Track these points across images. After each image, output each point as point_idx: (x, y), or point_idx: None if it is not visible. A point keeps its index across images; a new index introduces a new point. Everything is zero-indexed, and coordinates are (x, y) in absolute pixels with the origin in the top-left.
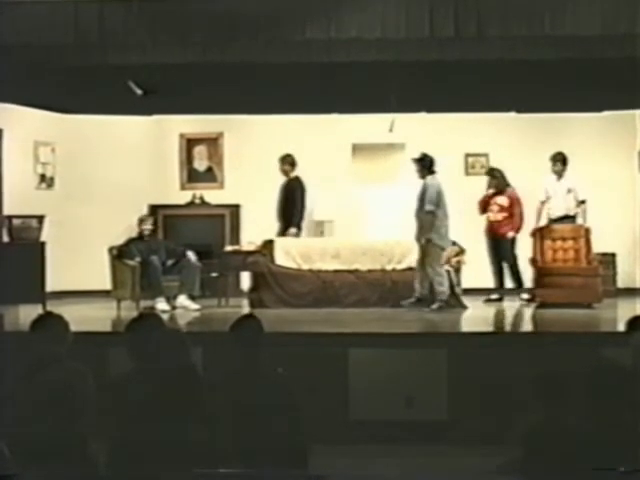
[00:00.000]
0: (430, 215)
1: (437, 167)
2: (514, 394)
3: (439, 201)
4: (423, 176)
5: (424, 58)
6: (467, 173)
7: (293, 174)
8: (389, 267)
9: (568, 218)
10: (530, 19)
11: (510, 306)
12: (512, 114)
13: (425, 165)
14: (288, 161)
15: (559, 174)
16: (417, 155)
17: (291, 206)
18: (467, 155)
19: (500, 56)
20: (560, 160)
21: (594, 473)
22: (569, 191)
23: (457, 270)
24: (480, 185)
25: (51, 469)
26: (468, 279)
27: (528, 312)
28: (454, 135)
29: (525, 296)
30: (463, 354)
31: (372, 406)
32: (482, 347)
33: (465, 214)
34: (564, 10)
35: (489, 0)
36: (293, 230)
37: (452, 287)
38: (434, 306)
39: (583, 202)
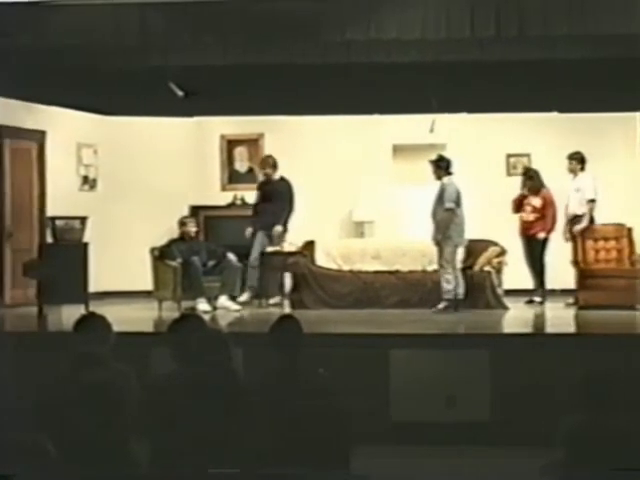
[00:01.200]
0: (449, 213)
1: (479, 168)
2: (556, 395)
3: (457, 200)
4: (440, 177)
5: (465, 58)
6: (509, 174)
7: (276, 175)
8: (430, 268)
9: (577, 217)
10: (572, 18)
11: (553, 307)
12: (554, 114)
13: (442, 166)
14: (270, 163)
15: (574, 173)
16: (434, 157)
17: (281, 206)
18: (509, 155)
19: (542, 56)
20: (576, 159)
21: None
22: (577, 190)
23: (498, 271)
24: None
25: (95, 468)
26: (511, 280)
27: (571, 313)
28: (495, 135)
29: (537, 299)
30: (505, 355)
31: (413, 407)
32: (524, 348)
33: (506, 215)
34: (606, 9)
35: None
36: (279, 228)
37: (493, 288)
38: (440, 306)
39: (592, 201)
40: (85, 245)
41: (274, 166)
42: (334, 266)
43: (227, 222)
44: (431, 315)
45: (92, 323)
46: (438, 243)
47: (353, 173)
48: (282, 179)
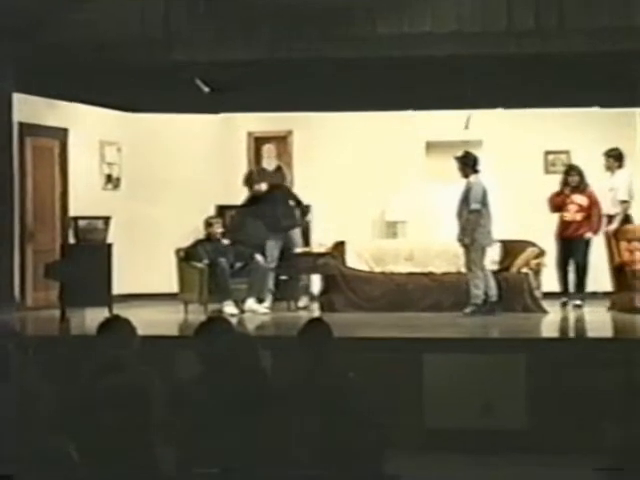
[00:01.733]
0: (475, 214)
1: (515, 165)
2: (595, 403)
3: (484, 200)
4: (466, 175)
5: (501, 52)
6: (547, 171)
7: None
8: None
9: (611, 218)
10: (612, 10)
11: (592, 311)
12: (595, 109)
13: (468, 164)
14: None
15: (611, 170)
16: (459, 153)
17: (293, 208)
18: (547, 152)
19: (582, 49)
20: (613, 156)
21: None
22: (611, 189)
23: (537, 273)
24: None
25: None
26: (549, 282)
27: (610, 317)
28: (533, 132)
29: (578, 302)
30: (543, 360)
31: (447, 413)
32: (562, 353)
33: (544, 215)
34: None
35: None
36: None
37: (531, 291)
38: (467, 310)
39: (625, 202)
40: (109, 246)
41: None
42: (365, 268)
43: None
44: (465, 319)
45: (116, 326)
46: (464, 245)
47: (385, 171)
48: (276, 186)
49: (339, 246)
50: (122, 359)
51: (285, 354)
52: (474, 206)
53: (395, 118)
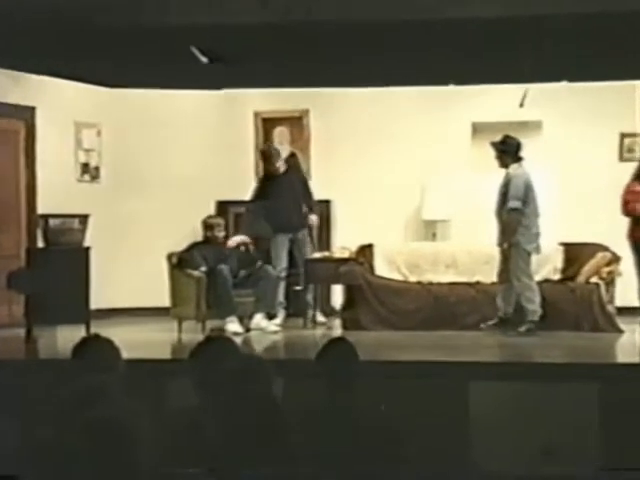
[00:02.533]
0: (515, 213)
1: (583, 151)
2: None
3: (527, 196)
4: (505, 165)
5: (565, 11)
6: (622, 158)
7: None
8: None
9: None
10: None
11: None
12: None
13: (508, 150)
14: (276, 155)
15: None
16: (498, 138)
17: (308, 194)
18: (623, 135)
19: None
20: None
21: None
22: None
23: (609, 283)
24: None
25: None
26: (624, 295)
27: None
28: (605, 109)
29: None
30: (618, 391)
31: (499, 454)
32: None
33: (619, 211)
34: None
35: None
36: (315, 217)
37: (602, 305)
38: (522, 328)
39: None
40: (86, 250)
41: (279, 157)
42: (398, 276)
43: None
44: (518, 339)
45: (96, 348)
46: (504, 252)
47: (422, 160)
48: (290, 168)
49: (365, 250)
50: (102, 389)
51: (301, 381)
52: (512, 204)
53: (434, 95)
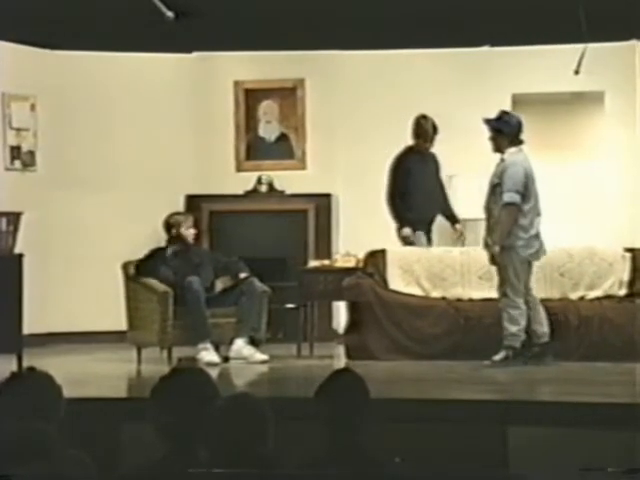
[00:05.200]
0: (511, 209)
1: None
2: None
3: (527, 189)
4: (500, 149)
5: None
6: None
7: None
8: (575, 295)
9: None
10: None
11: None
12: None
13: (504, 130)
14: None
15: None
16: (494, 115)
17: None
18: None
19: None
20: None
21: None
22: None
23: None
24: None
25: None
26: None
27: None
28: None
29: None
30: None
31: None
32: None
33: None
34: None
35: None
36: (407, 231)
37: None
38: (497, 357)
39: None
40: (19, 258)
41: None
42: (417, 291)
43: (245, 221)
44: (575, 369)
45: (30, 384)
46: (493, 256)
47: (447, 142)
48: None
49: (376, 258)
50: (39, 435)
51: (297, 424)
52: (509, 197)
53: (463, 59)
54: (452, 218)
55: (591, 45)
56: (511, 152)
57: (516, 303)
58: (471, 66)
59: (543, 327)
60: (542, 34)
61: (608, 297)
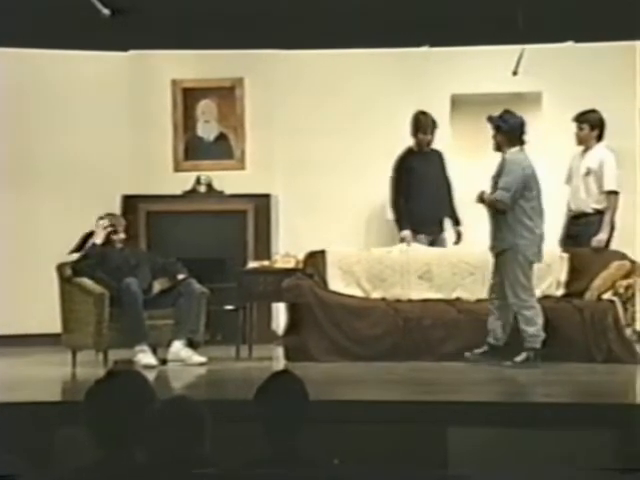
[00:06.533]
0: (499, 205)
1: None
2: None
3: (529, 188)
4: (500, 148)
5: None
6: None
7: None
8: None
9: (587, 216)
10: None
11: None
12: None
13: (506, 129)
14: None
15: (584, 144)
16: (495, 113)
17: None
18: None
19: None
20: (587, 121)
21: None
22: (587, 173)
23: (627, 300)
24: None
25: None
26: None
27: None
28: (623, 76)
29: None
30: None
31: None
32: None
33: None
34: None
35: None
36: (406, 233)
37: (619, 328)
38: (518, 358)
39: (613, 193)
40: None
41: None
42: (357, 292)
43: (183, 221)
44: (512, 372)
45: None
46: (496, 256)
47: (386, 141)
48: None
49: (316, 258)
50: None
51: (235, 427)
52: (500, 195)
53: (403, 59)
54: (454, 220)
55: (529, 46)
56: (512, 152)
57: (530, 303)
58: (410, 66)
59: (532, 328)
60: (485, 34)
61: (546, 297)
